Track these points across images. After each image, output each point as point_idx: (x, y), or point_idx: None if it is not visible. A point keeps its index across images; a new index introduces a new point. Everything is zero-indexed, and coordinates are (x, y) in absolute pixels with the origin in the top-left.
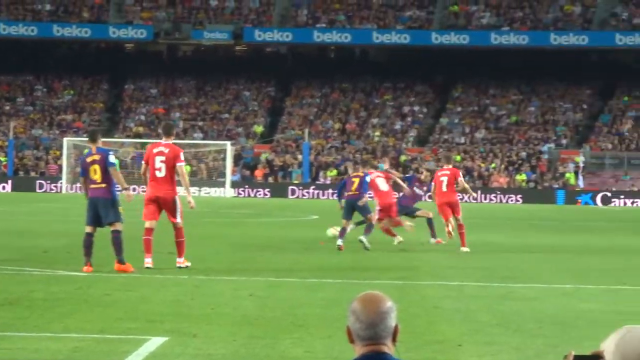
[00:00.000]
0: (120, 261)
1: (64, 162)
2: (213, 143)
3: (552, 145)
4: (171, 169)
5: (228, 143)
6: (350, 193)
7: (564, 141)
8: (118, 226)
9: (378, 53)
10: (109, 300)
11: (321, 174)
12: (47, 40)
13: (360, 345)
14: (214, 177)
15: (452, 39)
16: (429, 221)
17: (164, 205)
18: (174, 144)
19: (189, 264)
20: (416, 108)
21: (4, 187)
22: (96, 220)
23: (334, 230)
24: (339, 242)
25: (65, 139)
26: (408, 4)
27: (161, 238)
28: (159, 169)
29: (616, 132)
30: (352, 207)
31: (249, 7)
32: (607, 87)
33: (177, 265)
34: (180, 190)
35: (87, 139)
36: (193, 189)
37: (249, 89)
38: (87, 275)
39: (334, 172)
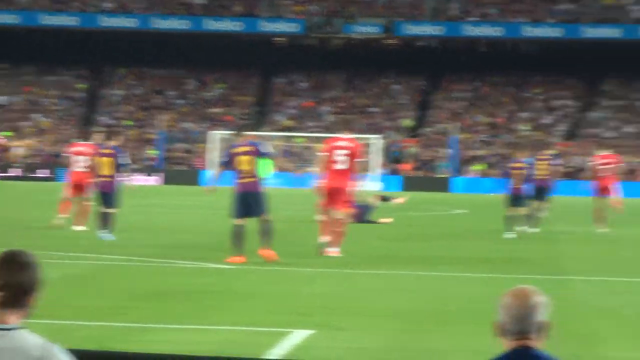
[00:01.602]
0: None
1: (211, 155)
2: (362, 137)
3: None
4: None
5: (376, 137)
6: None
7: None
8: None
9: (529, 46)
10: (258, 293)
11: (468, 167)
12: (199, 34)
13: (508, 340)
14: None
15: (604, 32)
16: None
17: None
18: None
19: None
20: (565, 102)
21: (155, 180)
22: None
23: None
24: None
25: (212, 132)
26: None
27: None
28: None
29: None
30: None
31: (400, 0)
32: None
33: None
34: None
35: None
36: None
37: (398, 83)
38: (236, 267)
39: (482, 166)
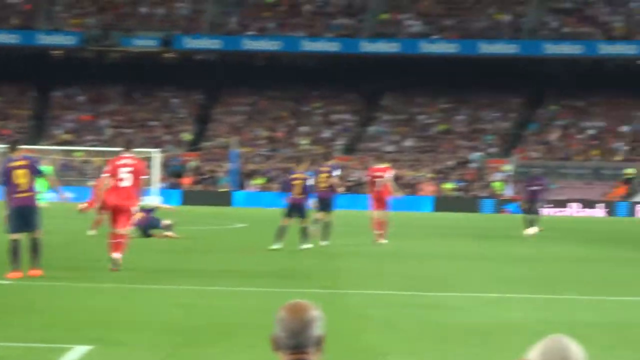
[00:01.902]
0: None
1: None
2: (141, 151)
3: (481, 153)
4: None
5: (156, 151)
6: None
7: (492, 150)
8: None
9: (307, 61)
10: (36, 308)
11: (248, 182)
12: None
13: (284, 354)
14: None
15: (382, 47)
16: None
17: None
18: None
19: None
20: (345, 116)
21: None
22: None
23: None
24: None
25: None
26: (338, 12)
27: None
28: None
29: (544, 141)
30: None
31: (179, 14)
32: (536, 96)
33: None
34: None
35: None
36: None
37: (177, 97)
38: (14, 282)
39: (262, 180)
